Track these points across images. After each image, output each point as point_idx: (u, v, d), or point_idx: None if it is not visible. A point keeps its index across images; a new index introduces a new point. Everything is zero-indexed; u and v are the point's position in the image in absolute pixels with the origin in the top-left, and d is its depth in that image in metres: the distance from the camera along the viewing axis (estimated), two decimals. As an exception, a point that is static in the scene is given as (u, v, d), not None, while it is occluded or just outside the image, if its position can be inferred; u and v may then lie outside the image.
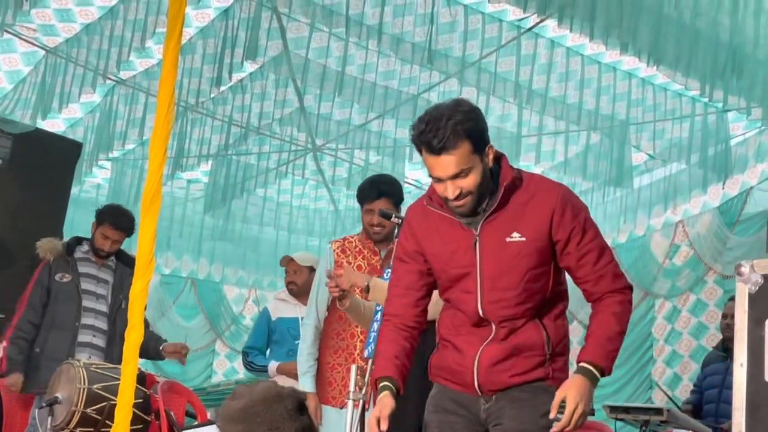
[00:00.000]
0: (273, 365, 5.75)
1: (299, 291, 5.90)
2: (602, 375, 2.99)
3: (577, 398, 2.92)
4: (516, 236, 2.99)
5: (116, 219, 5.51)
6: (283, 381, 5.54)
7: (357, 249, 4.54)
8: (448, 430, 3.13)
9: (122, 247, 5.62)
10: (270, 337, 6.01)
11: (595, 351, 3.00)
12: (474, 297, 3.05)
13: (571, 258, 3.03)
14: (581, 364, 2.99)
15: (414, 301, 3.17)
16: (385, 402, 3.03)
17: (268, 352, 6.10)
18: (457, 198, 2.94)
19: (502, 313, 3.03)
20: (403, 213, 4.48)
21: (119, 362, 3.61)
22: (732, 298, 6.25)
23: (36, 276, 5.47)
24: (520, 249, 2.99)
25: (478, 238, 3.02)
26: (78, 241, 5.62)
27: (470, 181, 2.92)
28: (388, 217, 4.19)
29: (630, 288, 3.11)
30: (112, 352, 5.32)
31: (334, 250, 4.60)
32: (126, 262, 5.51)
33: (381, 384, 3.08)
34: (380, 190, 4.55)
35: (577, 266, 3.04)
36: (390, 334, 3.16)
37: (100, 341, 5.42)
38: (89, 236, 5.61)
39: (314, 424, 2.63)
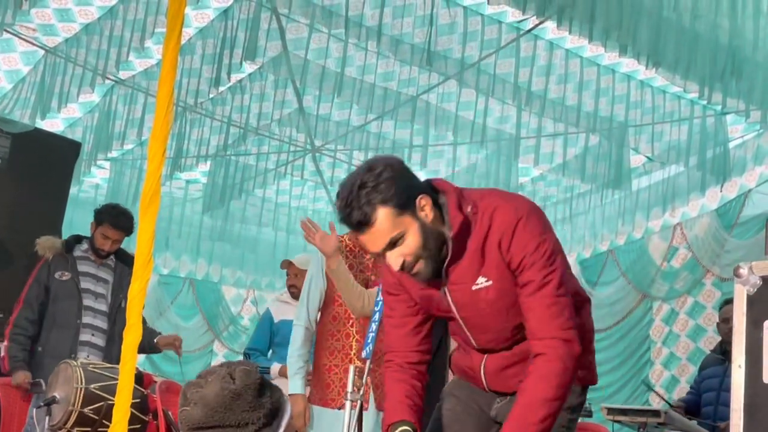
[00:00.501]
0: (275, 367, 5.75)
1: (300, 293, 5.90)
2: None
3: None
4: (482, 282, 2.70)
5: (116, 219, 5.50)
6: (285, 384, 5.54)
7: (348, 248, 4.52)
8: (450, 413, 3.00)
9: (122, 246, 5.61)
10: (272, 339, 6.01)
11: (513, 427, 2.61)
12: (467, 337, 2.87)
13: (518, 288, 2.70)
14: None
15: (412, 329, 2.92)
16: None
17: (270, 353, 6.10)
18: (403, 268, 2.65)
19: (501, 346, 2.85)
20: None
21: (118, 362, 3.61)
22: (726, 302, 6.26)
23: (34, 274, 5.47)
24: (489, 294, 2.71)
25: (445, 289, 2.77)
26: (77, 239, 5.62)
27: (410, 246, 2.62)
28: None
29: (569, 340, 2.62)
30: (111, 351, 5.32)
31: None
32: (125, 261, 5.50)
33: (398, 429, 2.81)
34: None
35: (519, 295, 2.70)
36: (395, 375, 2.91)
37: (99, 340, 5.42)
38: (89, 235, 5.60)
39: (281, 395, 2.55)
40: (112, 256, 5.59)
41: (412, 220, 2.62)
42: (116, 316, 5.42)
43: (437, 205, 2.68)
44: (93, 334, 5.41)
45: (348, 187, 2.60)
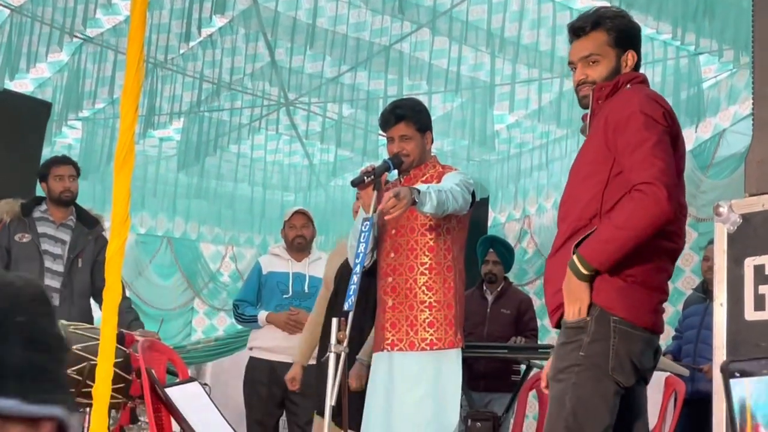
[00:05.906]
0: (262, 314, 5.74)
1: (307, 245, 5.89)
2: (587, 269, 2.95)
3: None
4: None
5: (56, 158, 5.62)
6: (273, 331, 5.59)
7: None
8: None
9: (90, 206, 5.58)
10: (260, 291, 5.99)
11: (585, 244, 3.02)
12: None
13: None
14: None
15: None
16: None
17: (258, 306, 6.11)
18: None
19: None
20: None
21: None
22: (713, 241, 6.30)
23: None
24: None
25: None
26: (37, 201, 5.55)
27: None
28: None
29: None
30: (70, 312, 5.22)
31: None
32: (85, 221, 5.45)
33: None
34: (397, 114, 4.19)
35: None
36: None
37: (55, 301, 5.37)
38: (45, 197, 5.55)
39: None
40: (72, 217, 5.51)
41: None
42: (72, 277, 5.37)
43: None
44: (51, 296, 5.36)
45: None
